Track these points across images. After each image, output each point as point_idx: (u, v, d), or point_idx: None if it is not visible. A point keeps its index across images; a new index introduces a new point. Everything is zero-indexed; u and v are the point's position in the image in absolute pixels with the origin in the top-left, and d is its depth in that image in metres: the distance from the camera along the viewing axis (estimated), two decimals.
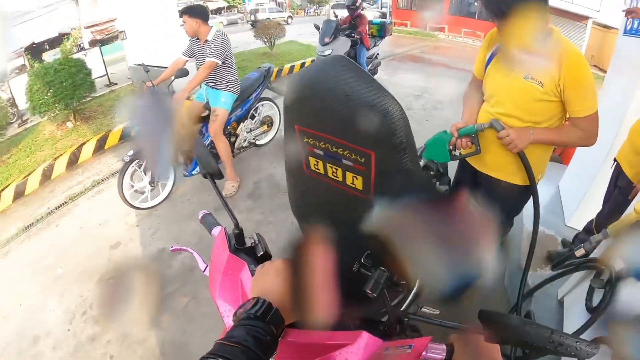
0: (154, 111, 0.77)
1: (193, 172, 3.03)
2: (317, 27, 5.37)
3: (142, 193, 2.92)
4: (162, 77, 2.86)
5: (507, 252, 2.08)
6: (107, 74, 5.73)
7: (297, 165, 0.64)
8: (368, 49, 5.41)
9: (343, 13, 5.87)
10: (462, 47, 11.16)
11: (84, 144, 3.97)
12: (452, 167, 1.87)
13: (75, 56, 4.67)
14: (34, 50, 4.83)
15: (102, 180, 3.52)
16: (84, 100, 4.49)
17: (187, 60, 2.92)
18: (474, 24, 11.81)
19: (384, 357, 0.60)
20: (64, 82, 4.09)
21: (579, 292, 1.61)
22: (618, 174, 1.80)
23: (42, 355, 1.95)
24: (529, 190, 1.46)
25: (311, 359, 0.61)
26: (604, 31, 8.98)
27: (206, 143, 3.07)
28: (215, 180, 0.84)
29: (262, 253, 0.80)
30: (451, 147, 1.51)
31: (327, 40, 5.06)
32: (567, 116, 1.38)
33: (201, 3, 12.73)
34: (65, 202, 3.23)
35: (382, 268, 0.58)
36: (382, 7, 20.78)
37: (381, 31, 6.00)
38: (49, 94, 4.04)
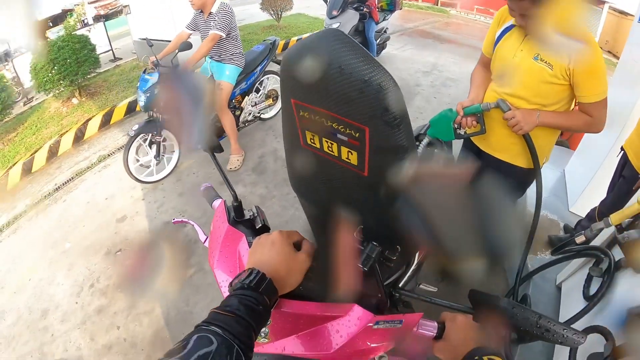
0: (184, 89, 0.77)
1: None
2: (324, 0, 5.20)
3: (148, 167, 2.95)
4: (165, 51, 2.82)
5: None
6: (111, 49, 5.65)
7: (294, 139, 0.64)
8: (377, 23, 5.22)
9: None
10: (474, 24, 10.72)
11: (89, 119, 3.98)
12: (457, 146, 1.85)
13: (79, 32, 4.60)
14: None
15: (108, 155, 3.56)
16: (88, 76, 4.47)
17: (190, 34, 2.86)
18: (487, 1, 11.30)
19: (375, 331, 0.62)
20: (68, 58, 4.06)
21: (577, 279, 1.62)
22: (624, 163, 1.77)
23: (51, 328, 2.03)
24: (533, 173, 1.45)
25: (304, 329, 0.63)
26: (619, 17, 8.58)
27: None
28: (216, 153, 0.84)
29: (260, 225, 0.81)
30: (456, 126, 1.49)
31: (335, 13, 4.90)
32: (576, 101, 1.34)
33: None
34: (72, 178, 3.28)
35: (374, 242, 0.59)
36: None
37: (391, 5, 5.77)
38: (53, 71, 4.01)
